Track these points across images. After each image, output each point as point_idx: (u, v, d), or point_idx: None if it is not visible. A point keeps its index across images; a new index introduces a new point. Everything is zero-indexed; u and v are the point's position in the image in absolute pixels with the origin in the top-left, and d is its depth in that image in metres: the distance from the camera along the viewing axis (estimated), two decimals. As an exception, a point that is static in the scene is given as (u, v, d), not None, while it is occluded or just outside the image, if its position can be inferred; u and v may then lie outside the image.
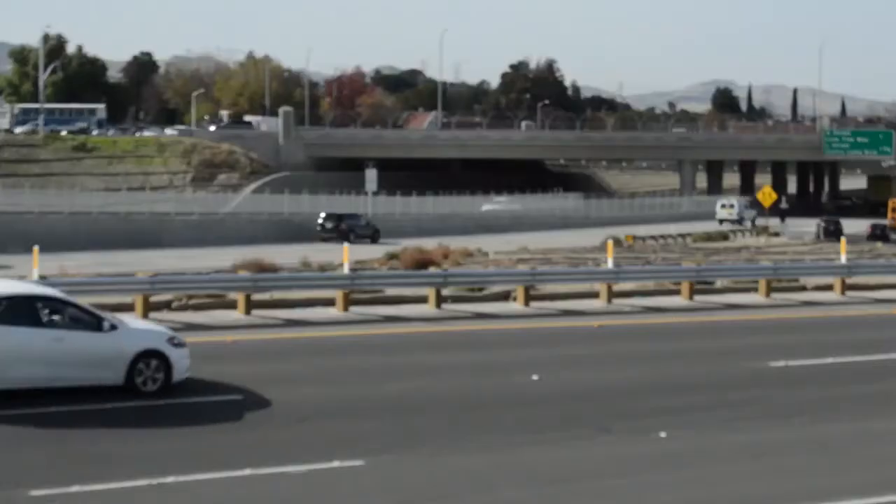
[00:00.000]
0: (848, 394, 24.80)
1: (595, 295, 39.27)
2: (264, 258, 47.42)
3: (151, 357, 22.31)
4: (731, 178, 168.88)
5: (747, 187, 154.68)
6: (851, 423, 22.16)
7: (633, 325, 34.63)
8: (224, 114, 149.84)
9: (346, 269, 38.26)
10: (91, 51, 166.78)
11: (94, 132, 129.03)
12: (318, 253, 61.77)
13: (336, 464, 18.12)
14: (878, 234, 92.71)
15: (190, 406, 21.77)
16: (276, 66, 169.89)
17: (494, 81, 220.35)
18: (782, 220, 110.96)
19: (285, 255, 64.19)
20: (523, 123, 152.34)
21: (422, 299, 36.87)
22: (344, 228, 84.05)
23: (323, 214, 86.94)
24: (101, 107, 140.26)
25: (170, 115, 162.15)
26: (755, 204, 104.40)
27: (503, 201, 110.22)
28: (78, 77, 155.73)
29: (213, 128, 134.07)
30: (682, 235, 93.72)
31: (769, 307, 39.43)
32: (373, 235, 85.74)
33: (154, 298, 33.55)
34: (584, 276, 41.84)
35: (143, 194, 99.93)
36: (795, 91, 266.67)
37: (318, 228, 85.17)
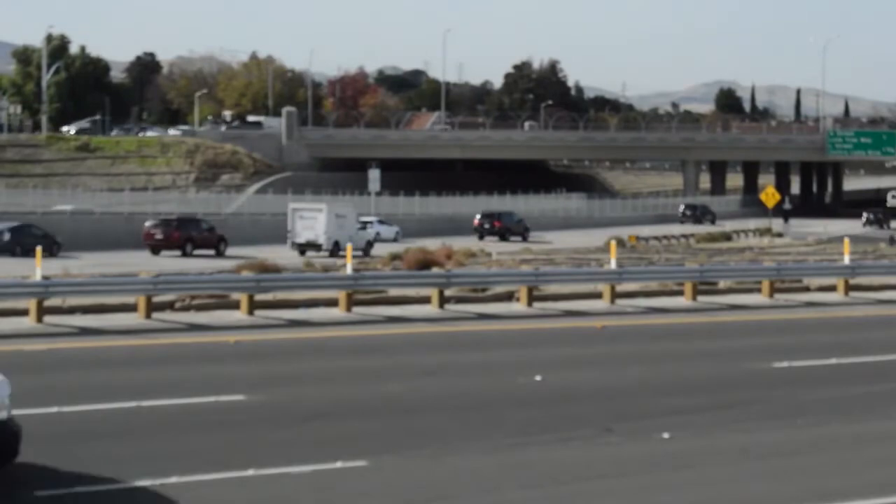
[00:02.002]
0: (851, 394, 24.76)
1: (598, 296, 39.28)
2: (267, 259, 47.44)
3: None
4: (735, 179, 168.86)
5: (750, 188, 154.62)
6: (855, 423, 22.12)
7: (637, 325, 34.61)
8: (227, 114, 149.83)
9: (349, 270, 38.27)
10: (94, 51, 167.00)
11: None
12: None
13: (339, 464, 18.10)
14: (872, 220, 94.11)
15: (191, 406, 21.76)
16: (280, 67, 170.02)
17: (497, 82, 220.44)
18: (785, 220, 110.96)
19: (289, 256, 64.27)
20: (526, 124, 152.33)
21: (425, 300, 36.87)
22: (500, 226, 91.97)
23: (479, 214, 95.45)
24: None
25: (173, 116, 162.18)
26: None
27: None
28: (81, 77, 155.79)
29: (223, 127, 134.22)
30: (686, 236, 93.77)
31: (772, 308, 39.42)
32: (524, 233, 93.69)
33: (157, 299, 33.56)
34: (588, 276, 41.86)
35: (146, 194, 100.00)
36: (799, 91, 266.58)
37: (477, 226, 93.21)
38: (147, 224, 72.43)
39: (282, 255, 62.29)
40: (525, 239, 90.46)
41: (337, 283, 36.49)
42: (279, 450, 18.84)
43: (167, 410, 21.39)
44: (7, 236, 65.78)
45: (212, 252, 71.18)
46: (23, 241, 63.62)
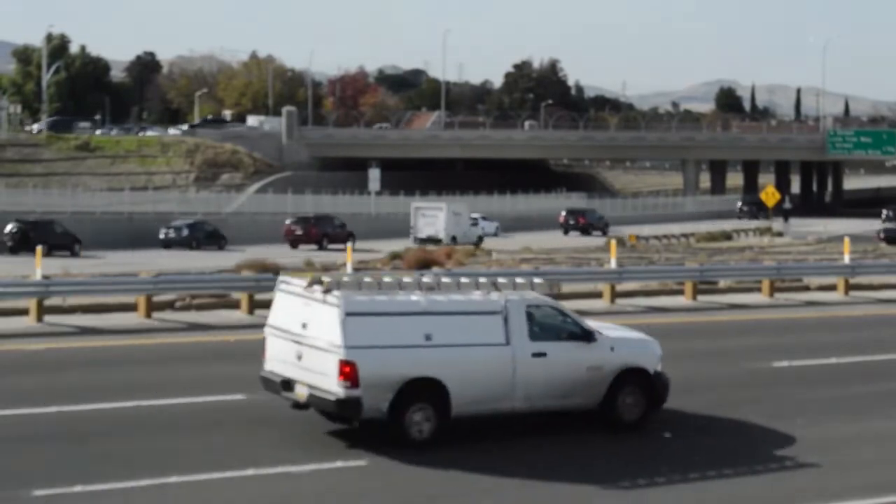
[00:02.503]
0: (851, 394, 24.77)
1: (598, 295, 39.26)
2: (267, 258, 47.43)
3: None
4: (735, 178, 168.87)
5: (751, 187, 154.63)
6: (854, 423, 22.13)
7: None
8: (227, 113, 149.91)
9: (348, 269, 38.24)
10: (94, 50, 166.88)
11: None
12: (321, 253, 61.80)
13: (339, 464, 18.11)
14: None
15: (191, 405, 21.76)
16: (279, 66, 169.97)
17: (497, 81, 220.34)
18: (785, 219, 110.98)
19: (289, 255, 64.23)
20: (526, 123, 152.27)
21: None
22: (584, 222, 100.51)
23: (564, 211, 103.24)
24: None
25: (173, 115, 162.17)
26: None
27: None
28: (81, 77, 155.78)
29: (185, 126, 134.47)
30: (686, 235, 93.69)
31: (772, 307, 39.41)
32: (604, 228, 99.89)
33: (157, 298, 33.54)
34: (588, 276, 41.80)
35: (146, 194, 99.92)
36: (799, 91, 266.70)
37: (563, 222, 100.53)
38: (288, 222, 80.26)
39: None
40: (605, 234, 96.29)
41: (337, 282, 36.47)
42: (279, 449, 18.84)
43: (167, 410, 21.39)
44: (185, 231, 76.47)
45: (343, 246, 73.78)
46: (197, 236, 76.32)
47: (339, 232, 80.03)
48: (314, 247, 75.84)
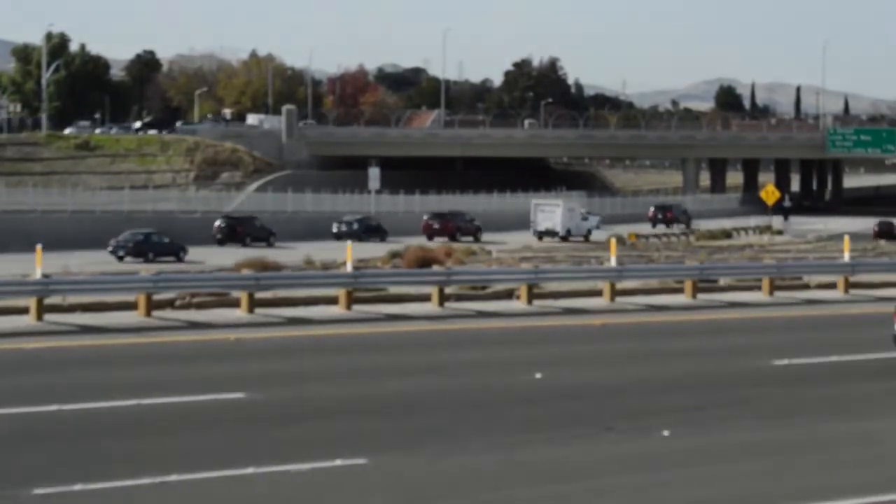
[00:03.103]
0: (851, 392, 24.76)
1: (598, 293, 39.27)
2: (267, 256, 47.46)
3: None
4: (735, 177, 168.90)
5: (750, 185, 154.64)
6: (854, 421, 22.11)
7: (636, 323, 34.61)
8: (227, 111, 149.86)
9: (349, 268, 38.27)
10: (94, 49, 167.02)
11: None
12: (321, 251, 61.86)
13: (339, 462, 18.10)
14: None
15: (191, 404, 21.76)
16: (279, 65, 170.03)
17: (497, 80, 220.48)
18: (785, 218, 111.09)
19: (289, 253, 64.29)
20: (526, 122, 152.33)
21: (425, 297, 36.86)
22: (671, 216, 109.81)
23: (653, 206, 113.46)
24: None
25: (173, 114, 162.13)
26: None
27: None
28: (81, 75, 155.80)
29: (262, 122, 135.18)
30: (686, 233, 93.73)
31: (772, 305, 39.41)
32: (687, 222, 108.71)
33: (157, 297, 33.55)
34: (587, 274, 41.85)
35: (145, 193, 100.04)
36: (799, 89, 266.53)
37: (651, 217, 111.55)
38: (426, 217, 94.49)
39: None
40: (689, 227, 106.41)
41: (337, 280, 36.49)
42: (279, 448, 18.84)
43: (167, 408, 21.38)
44: (355, 226, 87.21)
45: (471, 238, 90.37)
46: (362, 229, 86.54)
47: (469, 226, 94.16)
48: (445, 238, 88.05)
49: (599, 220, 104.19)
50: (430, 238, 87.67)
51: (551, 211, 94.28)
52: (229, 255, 60.58)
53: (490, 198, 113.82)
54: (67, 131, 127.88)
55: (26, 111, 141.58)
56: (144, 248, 70.84)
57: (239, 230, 77.76)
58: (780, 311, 38.18)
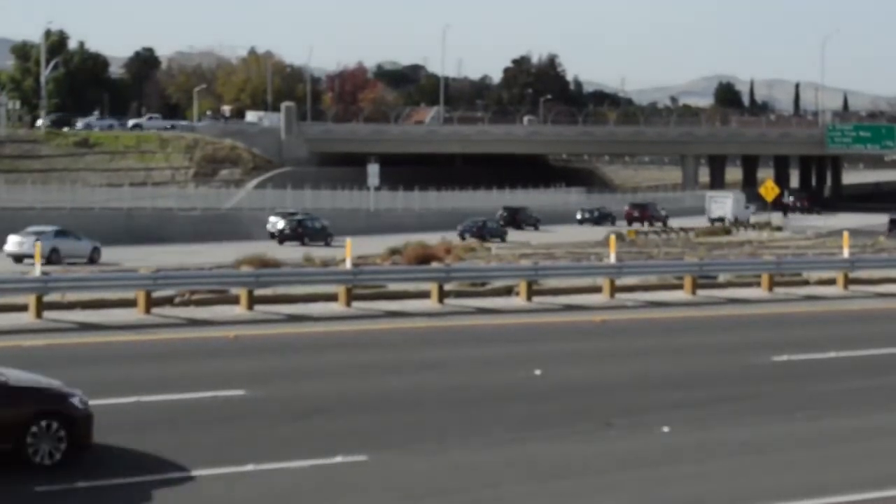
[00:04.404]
0: (850, 388, 24.77)
1: (598, 290, 39.25)
2: (266, 253, 47.45)
3: None
4: (734, 173, 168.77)
5: (750, 182, 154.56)
6: (854, 417, 22.13)
7: (636, 319, 34.61)
8: (226, 109, 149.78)
9: (348, 265, 38.24)
10: (93, 46, 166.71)
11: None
12: (321, 249, 61.81)
13: (339, 459, 18.11)
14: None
15: (191, 401, 21.76)
16: (278, 62, 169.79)
17: (496, 76, 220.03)
18: (785, 214, 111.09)
19: (290, 250, 64.24)
20: (525, 118, 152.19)
21: (424, 294, 36.84)
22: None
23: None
24: None
25: (172, 111, 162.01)
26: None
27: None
28: (80, 73, 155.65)
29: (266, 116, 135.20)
30: (685, 230, 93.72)
31: (772, 302, 39.41)
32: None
33: (156, 294, 33.54)
34: (587, 271, 41.80)
35: (145, 190, 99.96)
36: (798, 85, 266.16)
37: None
38: (626, 207, 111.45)
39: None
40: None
41: (336, 277, 36.47)
42: (279, 444, 18.84)
43: (167, 406, 21.38)
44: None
45: (660, 224, 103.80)
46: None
47: (659, 215, 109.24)
48: (644, 224, 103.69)
49: (754, 209, 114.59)
50: (630, 223, 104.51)
51: (723, 202, 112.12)
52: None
53: (489, 194, 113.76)
54: (80, 124, 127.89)
55: (25, 108, 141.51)
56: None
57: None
58: (780, 307, 38.18)
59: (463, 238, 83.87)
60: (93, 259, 60.65)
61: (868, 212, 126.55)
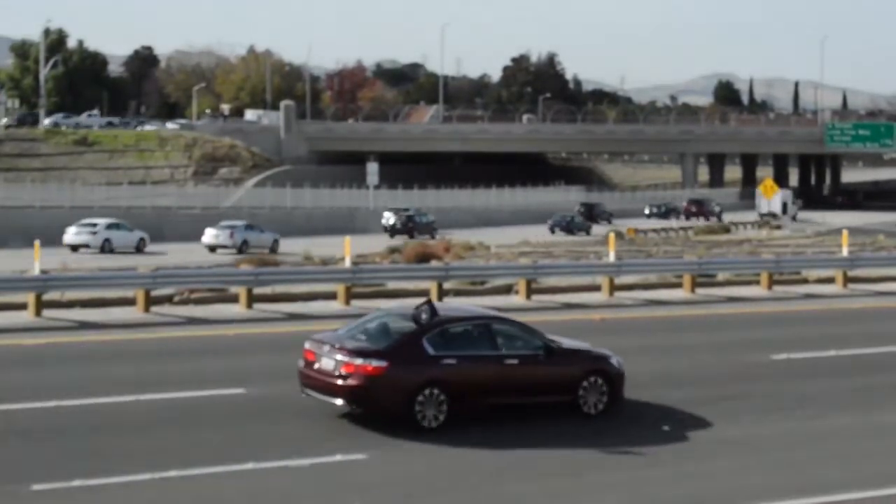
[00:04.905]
0: (850, 386, 24.77)
1: (597, 288, 39.25)
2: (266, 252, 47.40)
3: None
4: (733, 171, 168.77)
5: (749, 180, 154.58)
6: (854, 415, 22.13)
7: (635, 318, 34.60)
8: (225, 107, 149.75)
9: (347, 263, 38.22)
10: (92, 45, 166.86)
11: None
12: (320, 247, 61.84)
13: (338, 457, 18.11)
14: None
15: (190, 399, 21.75)
16: (278, 61, 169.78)
17: (496, 75, 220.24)
18: (784, 212, 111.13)
19: (290, 248, 64.23)
20: (525, 117, 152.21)
21: (424, 293, 36.82)
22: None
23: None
24: None
25: (171, 110, 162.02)
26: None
27: None
28: (79, 71, 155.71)
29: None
30: (684, 228, 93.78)
31: (771, 300, 39.40)
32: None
33: (155, 293, 33.53)
34: (586, 269, 41.78)
35: (144, 188, 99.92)
36: (797, 84, 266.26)
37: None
38: (684, 203, 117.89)
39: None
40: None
41: (335, 276, 36.44)
42: (278, 443, 18.84)
43: (166, 404, 21.38)
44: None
45: (715, 219, 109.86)
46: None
47: (713, 210, 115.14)
48: (701, 219, 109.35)
49: (800, 205, 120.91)
50: (688, 218, 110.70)
51: (774, 197, 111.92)
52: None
53: (489, 193, 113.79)
54: (83, 116, 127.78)
55: (24, 107, 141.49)
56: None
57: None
58: (779, 305, 38.17)
59: (553, 232, 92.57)
60: (273, 249, 68.08)
61: (868, 210, 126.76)
